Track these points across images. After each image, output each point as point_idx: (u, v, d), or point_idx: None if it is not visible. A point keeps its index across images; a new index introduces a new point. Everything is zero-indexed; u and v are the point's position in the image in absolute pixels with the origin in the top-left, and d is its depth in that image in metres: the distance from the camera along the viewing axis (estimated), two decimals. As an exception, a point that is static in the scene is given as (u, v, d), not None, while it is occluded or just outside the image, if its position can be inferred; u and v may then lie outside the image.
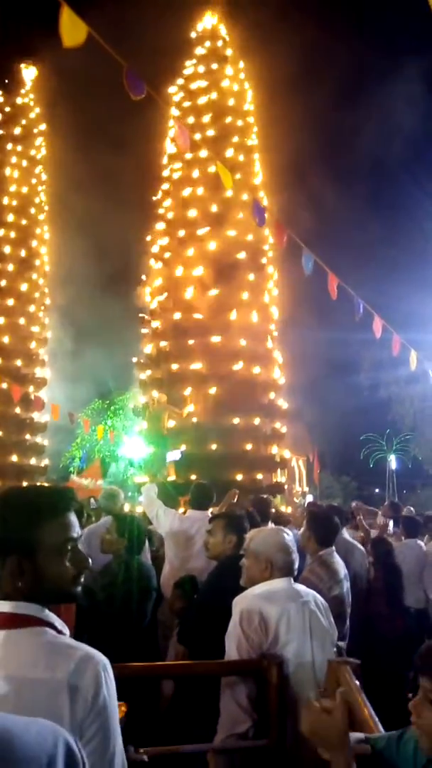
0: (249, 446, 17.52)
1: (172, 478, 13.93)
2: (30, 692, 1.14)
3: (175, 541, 4.33)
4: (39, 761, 0.77)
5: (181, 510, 5.62)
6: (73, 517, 1.37)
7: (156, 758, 2.30)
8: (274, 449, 18.79)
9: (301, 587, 2.64)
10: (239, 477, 15.74)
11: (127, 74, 4.62)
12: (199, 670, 2.64)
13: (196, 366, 17.93)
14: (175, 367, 18.27)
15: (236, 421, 17.49)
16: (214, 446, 16.85)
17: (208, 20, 21.70)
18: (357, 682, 2.14)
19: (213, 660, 2.54)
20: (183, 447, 15.31)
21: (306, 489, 24.72)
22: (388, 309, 10.34)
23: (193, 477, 13.25)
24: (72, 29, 4.44)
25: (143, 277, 20.11)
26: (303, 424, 25.32)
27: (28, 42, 23.89)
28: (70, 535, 1.34)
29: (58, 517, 1.33)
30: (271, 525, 3.22)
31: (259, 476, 16.99)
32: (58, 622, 1.29)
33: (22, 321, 22.37)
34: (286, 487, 19.18)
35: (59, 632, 1.27)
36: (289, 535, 2.66)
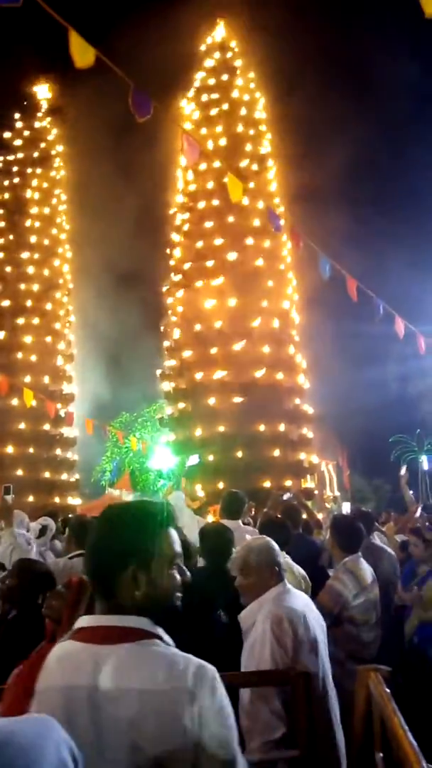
0: (276, 452, 17.44)
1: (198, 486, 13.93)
2: (153, 704, 1.19)
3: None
4: (42, 747, 0.78)
5: (211, 519, 5.61)
6: (175, 533, 1.40)
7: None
8: (302, 455, 18.65)
9: (289, 586, 2.64)
10: (267, 484, 15.66)
11: (134, 95, 4.69)
12: (230, 680, 2.61)
13: (220, 375, 17.97)
14: (198, 376, 18.36)
15: (262, 428, 17.43)
16: (240, 454, 16.83)
17: (217, 33, 21.95)
18: (387, 690, 2.11)
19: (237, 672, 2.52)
20: (199, 453, 15.26)
21: (337, 494, 24.38)
22: (409, 307, 10.21)
23: (221, 485, 13.24)
24: (81, 51, 4.55)
25: (164, 288, 20.31)
26: (330, 428, 25.03)
27: (43, 66, 24.50)
28: (178, 550, 1.37)
29: (167, 529, 1.37)
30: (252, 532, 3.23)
31: (288, 482, 16.91)
32: (165, 635, 1.32)
33: (48, 339, 22.79)
34: (316, 492, 18.99)
35: (167, 644, 1.30)
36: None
